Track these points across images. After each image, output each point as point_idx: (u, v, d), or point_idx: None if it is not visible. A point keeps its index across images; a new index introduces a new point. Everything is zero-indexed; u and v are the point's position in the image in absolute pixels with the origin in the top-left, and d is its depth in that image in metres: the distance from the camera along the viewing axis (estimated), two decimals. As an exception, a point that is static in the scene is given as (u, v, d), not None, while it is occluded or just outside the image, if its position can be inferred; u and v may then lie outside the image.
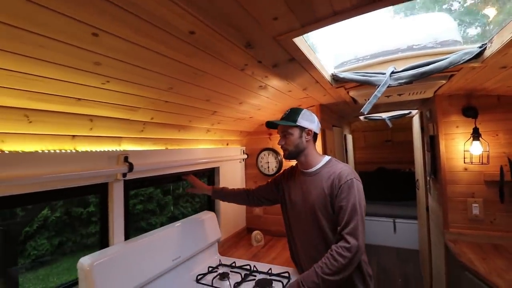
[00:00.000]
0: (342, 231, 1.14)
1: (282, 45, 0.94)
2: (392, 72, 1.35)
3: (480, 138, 1.87)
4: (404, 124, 4.73)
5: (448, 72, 1.46)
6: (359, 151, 5.64)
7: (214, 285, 1.50)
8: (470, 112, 1.94)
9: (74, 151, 1.13)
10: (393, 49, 1.49)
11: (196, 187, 1.73)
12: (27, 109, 0.91)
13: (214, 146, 2.11)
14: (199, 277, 1.57)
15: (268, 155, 2.40)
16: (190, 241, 1.64)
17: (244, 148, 2.50)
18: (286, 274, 1.54)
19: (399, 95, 1.91)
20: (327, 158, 1.35)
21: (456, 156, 2.01)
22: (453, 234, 1.99)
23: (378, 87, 1.34)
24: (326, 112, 2.48)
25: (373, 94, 1.33)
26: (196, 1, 0.64)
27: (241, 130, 2.33)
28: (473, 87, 1.77)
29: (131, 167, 1.30)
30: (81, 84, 0.90)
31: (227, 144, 2.28)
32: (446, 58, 1.21)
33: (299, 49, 0.99)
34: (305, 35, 0.96)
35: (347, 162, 3.57)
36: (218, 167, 2.14)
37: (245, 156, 2.50)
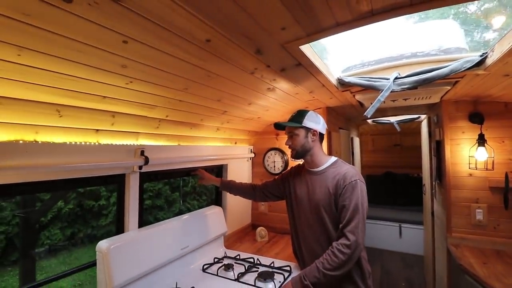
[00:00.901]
0: (343, 228, 1.20)
1: (289, 51, 1.02)
2: (396, 78, 1.41)
3: (485, 144, 1.90)
4: (413, 128, 4.71)
5: (451, 78, 1.51)
6: (367, 155, 5.63)
7: (219, 274, 1.59)
8: (476, 118, 1.96)
9: (97, 143, 1.24)
10: (397, 55, 1.54)
11: (204, 179, 1.81)
12: (59, 104, 1.02)
13: (223, 144, 2.20)
14: (205, 266, 1.67)
15: (275, 154, 2.47)
16: (198, 233, 1.74)
17: (251, 147, 2.59)
18: (288, 268, 1.62)
19: (405, 99, 1.96)
20: (333, 158, 1.42)
21: (461, 162, 2.04)
22: (456, 239, 2.01)
23: (381, 91, 1.40)
24: (332, 115, 2.54)
25: (377, 99, 1.39)
26: (214, 15, 0.73)
27: (249, 130, 2.42)
28: (478, 93, 1.80)
29: (146, 161, 1.41)
30: (108, 84, 1.00)
31: (236, 143, 2.37)
32: (447, 66, 1.26)
33: (305, 55, 1.07)
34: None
35: (353, 165, 3.60)
36: (226, 164, 2.24)
37: (253, 155, 2.58)
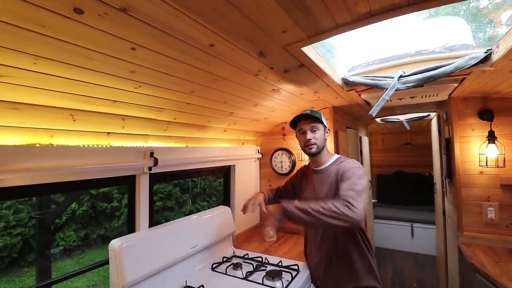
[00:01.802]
0: (347, 194, 1.11)
1: (292, 53, 1.05)
2: (400, 76, 1.41)
3: (496, 141, 1.86)
4: (423, 126, 4.64)
5: (458, 75, 1.50)
6: (377, 154, 5.56)
7: (228, 273, 1.62)
8: (485, 115, 1.93)
9: (108, 146, 1.30)
10: (402, 54, 1.54)
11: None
12: (72, 109, 1.08)
13: (230, 145, 2.24)
14: (214, 265, 1.70)
15: (282, 155, 2.49)
16: (207, 232, 1.78)
17: (259, 147, 2.62)
18: (296, 267, 1.63)
19: (412, 97, 1.94)
20: (336, 156, 1.43)
21: (472, 159, 2.00)
22: (467, 238, 1.98)
23: (386, 90, 1.40)
24: (339, 114, 2.54)
25: (381, 97, 1.39)
26: (216, 21, 0.77)
27: (256, 131, 2.45)
28: (487, 90, 1.78)
29: (156, 162, 1.45)
30: (118, 89, 1.05)
31: (243, 144, 2.41)
32: (452, 63, 1.25)
33: (308, 56, 1.09)
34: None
35: (362, 165, 3.57)
36: (234, 165, 2.27)
37: (260, 156, 2.61)
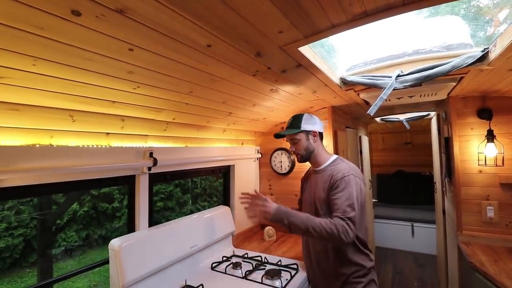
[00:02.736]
0: (343, 210, 1.15)
1: (289, 53, 1.05)
2: (398, 76, 1.41)
3: (494, 140, 1.87)
4: (424, 126, 4.63)
5: (455, 75, 1.50)
6: (377, 153, 5.56)
7: (227, 272, 1.63)
8: (484, 114, 1.93)
9: (108, 146, 1.31)
10: (399, 53, 1.54)
11: None
12: (71, 110, 1.09)
13: (230, 145, 2.24)
14: (214, 264, 1.71)
15: (281, 154, 2.50)
16: (206, 232, 1.79)
17: (258, 147, 2.62)
18: (295, 266, 1.64)
19: (410, 97, 1.95)
20: (334, 157, 1.43)
21: (471, 158, 2.00)
22: (467, 237, 1.98)
23: (384, 89, 1.40)
24: (338, 114, 2.54)
25: (379, 97, 1.40)
26: (213, 21, 0.77)
27: (256, 131, 2.46)
28: (486, 89, 1.78)
29: (155, 162, 1.46)
30: (116, 89, 1.06)
31: (242, 144, 2.41)
32: (449, 62, 1.26)
33: (305, 56, 1.10)
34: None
35: (362, 165, 3.57)
36: (234, 165, 2.28)
37: (259, 155, 2.61)
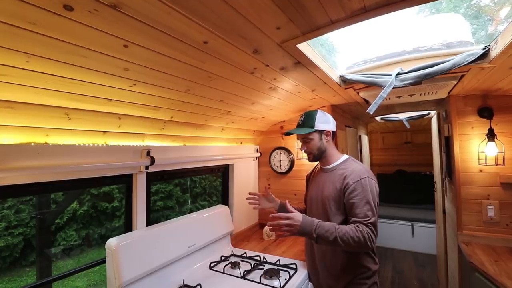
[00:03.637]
0: (366, 220, 1.16)
1: (287, 50, 1.04)
2: (398, 74, 1.40)
3: (495, 139, 1.85)
4: (424, 125, 4.62)
5: (456, 73, 1.48)
6: (377, 153, 5.55)
7: (225, 272, 1.61)
8: (485, 112, 1.92)
9: (105, 145, 1.29)
10: (400, 51, 1.52)
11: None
12: (67, 108, 1.07)
13: (228, 144, 2.23)
14: (212, 264, 1.70)
15: (281, 153, 2.49)
16: (205, 231, 1.77)
17: (257, 146, 2.61)
18: (294, 266, 1.63)
19: (410, 95, 1.93)
20: (345, 156, 1.42)
21: (471, 157, 1.99)
22: (467, 236, 1.97)
23: (384, 88, 1.39)
24: (338, 113, 2.53)
25: (379, 95, 1.38)
26: (209, 17, 0.76)
27: (255, 130, 2.44)
28: (487, 87, 1.76)
29: (153, 161, 1.45)
30: (112, 87, 1.04)
31: (241, 143, 2.40)
32: (450, 60, 1.24)
33: (303, 53, 1.08)
34: (323, 37, 1.02)
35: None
36: (232, 164, 2.27)
37: (259, 155, 2.60)
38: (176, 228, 1.61)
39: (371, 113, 1.44)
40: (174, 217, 1.74)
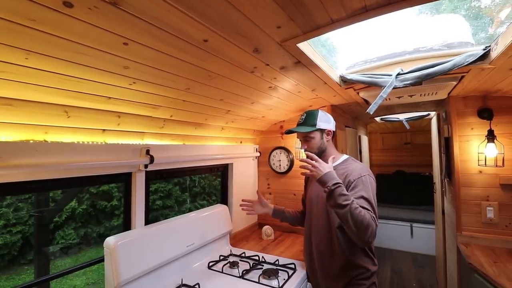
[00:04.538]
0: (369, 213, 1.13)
1: (287, 50, 1.04)
2: (398, 74, 1.39)
3: (495, 140, 1.85)
4: (423, 126, 4.62)
5: (456, 73, 1.48)
6: (377, 153, 5.55)
7: (224, 271, 1.61)
8: (485, 113, 1.92)
9: (104, 143, 1.29)
10: (400, 51, 1.52)
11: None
12: (66, 105, 1.07)
13: (228, 144, 2.23)
14: (210, 263, 1.70)
15: (280, 153, 2.48)
16: (203, 230, 1.77)
17: (257, 146, 2.61)
18: (292, 266, 1.63)
19: (410, 96, 1.93)
20: (345, 156, 1.42)
21: (471, 158, 1.99)
22: (466, 237, 1.97)
23: (384, 88, 1.39)
24: (338, 113, 2.53)
25: (379, 95, 1.38)
26: (209, 15, 0.76)
27: (254, 129, 2.44)
28: (487, 88, 1.76)
29: (152, 159, 1.44)
30: (112, 85, 1.04)
31: (241, 142, 2.40)
32: (450, 60, 1.24)
33: (304, 53, 1.08)
34: (323, 37, 1.02)
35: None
36: (232, 163, 2.26)
37: (258, 154, 2.60)
38: (175, 227, 1.60)
39: (371, 113, 1.43)
40: (173, 216, 1.73)
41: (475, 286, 1.65)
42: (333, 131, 1.42)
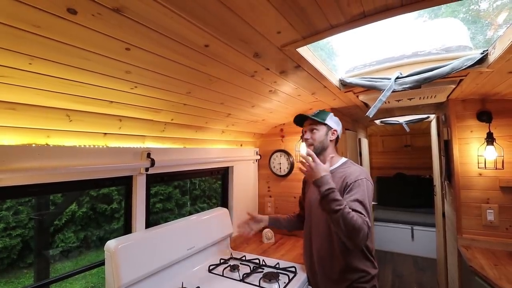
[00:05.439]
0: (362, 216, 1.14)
1: (287, 54, 1.05)
2: (397, 77, 1.41)
3: (494, 143, 1.86)
4: (423, 129, 4.63)
5: (455, 77, 1.50)
6: (377, 156, 5.55)
7: (224, 275, 1.61)
8: (484, 116, 1.93)
9: (105, 146, 1.30)
10: (399, 55, 1.54)
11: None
12: (68, 109, 1.08)
13: (228, 147, 2.24)
14: (211, 267, 1.70)
15: (280, 156, 2.49)
16: (204, 234, 1.77)
17: (257, 149, 2.62)
18: (293, 269, 1.63)
19: (410, 99, 1.94)
20: (344, 159, 1.43)
21: (470, 161, 2.00)
22: (466, 240, 1.97)
23: (383, 91, 1.40)
24: (337, 116, 2.51)
25: (378, 98, 1.39)
26: (210, 21, 0.77)
27: (255, 132, 2.45)
28: (486, 91, 1.77)
29: (153, 163, 1.45)
30: (114, 89, 1.05)
31: (241, 145, 2.40)
32: (448, 64, 1.25)
33: (304, 57, 1.09)
34: (323, 41, 1.03)
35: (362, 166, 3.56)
36: (232, 166, 2.27)
37: (258, 157, 2.61)
38: (175, 230, 1.61)
39: (370, 116, 1.45)
40: (173, 220, 1.73)
41: (476, 289, 1.64)
42: (338, 135, 1.45)
